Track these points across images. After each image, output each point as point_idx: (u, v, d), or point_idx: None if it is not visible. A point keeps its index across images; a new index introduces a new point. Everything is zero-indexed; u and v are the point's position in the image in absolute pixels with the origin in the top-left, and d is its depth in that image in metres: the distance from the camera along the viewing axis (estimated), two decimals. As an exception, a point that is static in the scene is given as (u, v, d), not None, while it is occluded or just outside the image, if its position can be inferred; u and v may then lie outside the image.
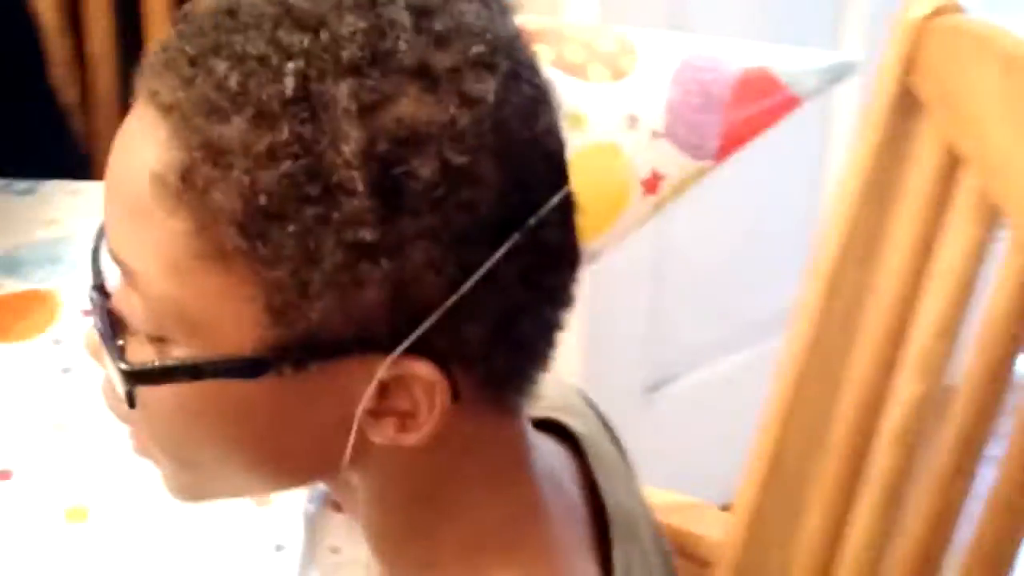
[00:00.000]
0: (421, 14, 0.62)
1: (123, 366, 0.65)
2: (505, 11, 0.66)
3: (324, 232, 0.59)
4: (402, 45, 0.61)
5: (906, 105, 1.02)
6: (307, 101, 0.59)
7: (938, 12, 1.00)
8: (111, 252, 0.66)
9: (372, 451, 0.66)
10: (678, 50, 0.78)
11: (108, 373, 0.68)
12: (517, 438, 0.71)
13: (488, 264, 0.61)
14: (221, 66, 0.60)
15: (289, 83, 0.59)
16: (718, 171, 0.89)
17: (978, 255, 0.94)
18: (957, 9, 1.01)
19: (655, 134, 0.76)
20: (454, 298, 0.61)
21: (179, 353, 0.64)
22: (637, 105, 0.75)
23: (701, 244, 1.86)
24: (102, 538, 1.05)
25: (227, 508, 1.04)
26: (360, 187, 0.59)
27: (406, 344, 0.61)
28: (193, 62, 0.61)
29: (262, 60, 0.60)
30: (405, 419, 0.65)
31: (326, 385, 0.64)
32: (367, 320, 0.61)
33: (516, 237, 0.61)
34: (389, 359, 0.62)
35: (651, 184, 0.77)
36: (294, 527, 1.04)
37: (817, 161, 1.88)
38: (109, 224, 0.66)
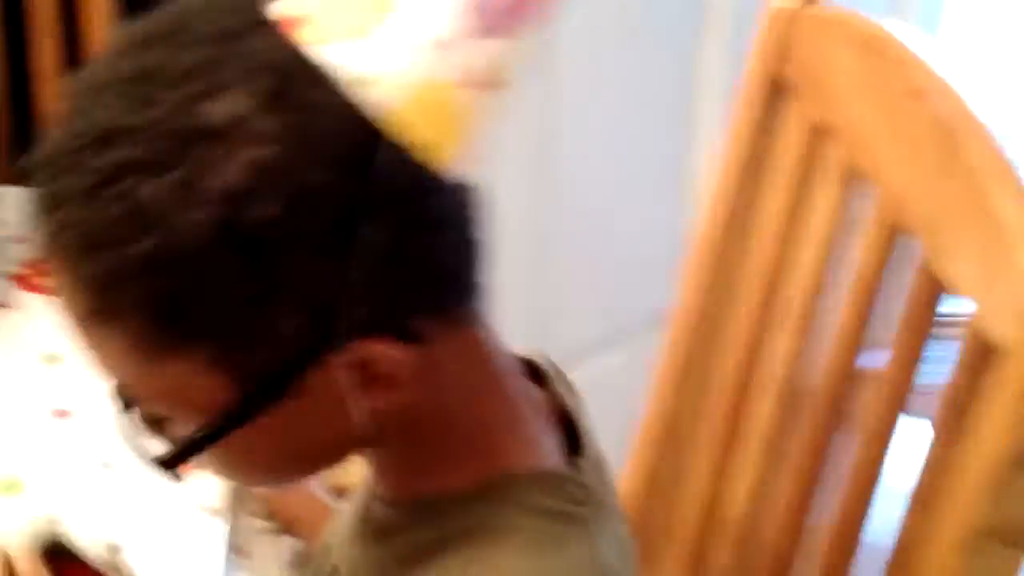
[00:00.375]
0: (188, 74, 0.67)
1: (155, 459, 0.76)
2: (265, 26, 0.68)
3: (221, 302, 0.68)
4: (182, 120, 0.67)
5: (775, 89, 1.12)
6: (137, 214, 0.67)
7: (804, 3, 1.10)
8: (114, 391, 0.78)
9: (380, 418, 0.74)
10: None
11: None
12: (482, 343, 0.78)
13: (364, 242, 0.68)
14: (64, 214, 0.69)
15: (114, 205, 0.67)
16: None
17: (844, 215, 1.03)
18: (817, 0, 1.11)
19: (444, 43, 0.68)
20: (354, 290, 0.68)
21: (182, 431, 0.74)
22: (420, 28, 0.69)
23: (575, 244, 1.93)
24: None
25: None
26: (220, 254, 0.67)
27: (334, 345, 0.69)
28: (50, 218, 0.70)
29: (96, 188, 0.67)
30: (387, 384, 0.72)
31: (309, 396, 0.71)
32: (301, 340, 0.69)
33: (367, 211, 0.68)
34: (334, 357, 0.70)
35: (477, 81, 0.70)
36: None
37: (679, 160, 1.96)
38: (100, 372, 0.75)
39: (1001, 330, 0.80)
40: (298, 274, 0.68)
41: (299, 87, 0.68)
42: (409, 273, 0.71)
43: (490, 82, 0.70)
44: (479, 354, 0.78)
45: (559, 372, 0.86)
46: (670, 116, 1.91)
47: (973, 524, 0.81)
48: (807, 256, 1.06)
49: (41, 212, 0.70)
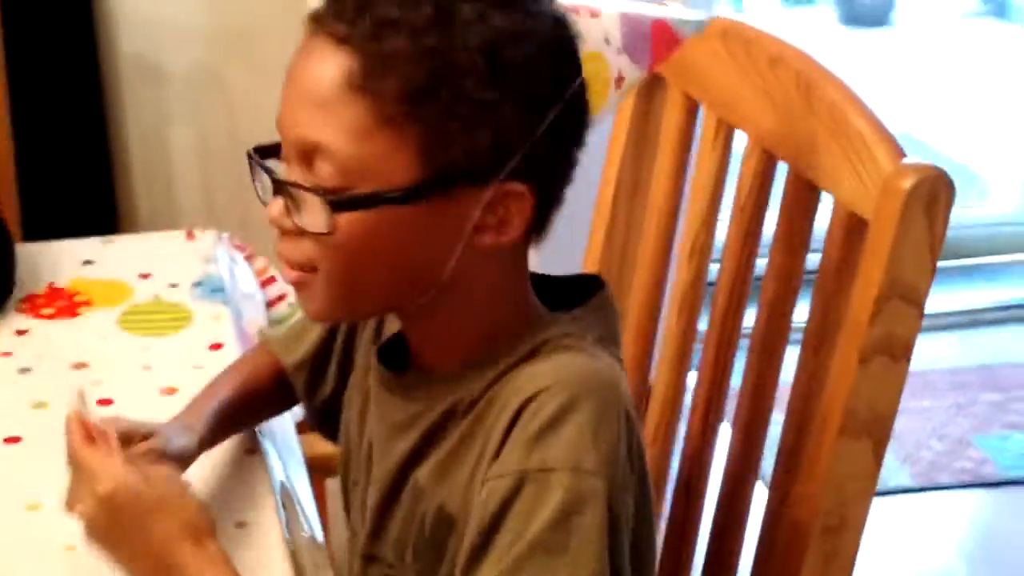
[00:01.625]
0: None
1: (329, 197, 1.00)
2: None
3: (457, 100, 0.98)
4: None
5: (649, 80, 1.46)
6: (444, 15, 0.98)
7: (663, 16, 1.45)
8: (297, 139, 1.02)
9: (465, 264, 1.03)
10: (620, 3, 1.18)
11: (300, 222, 1.01)
12: (522, 283, 1.10)
13: (552, 115, 1.01)
14: (381, 7, 0.99)
15: (429, 7, 0.98)
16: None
17: (721, 163, 1.37)
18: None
19: (619, 50, 1.15)
20: (529, 143, 1.00)
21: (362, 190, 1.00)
22: (608, 31, 1.14)
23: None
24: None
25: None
26: (480, 67, 0.98)
27: (507, 171, 1.00)
28: (356, 9, 0.99)
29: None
30: (501, 226, 1.03)
31: (451, 206, 1.01)
32: (481, 156, 1.00)
33: (565, 97, 1.02)
34: (493, 184, 1.00)
35: (618, 81, 1.15)
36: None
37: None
38: (297, 118, 1.02)
39: (867, 203, 1.15)
40: (514, 108, 1.00)
41: (556, 6, 1.05)
42: (562, 159, 1.05)
43: (619, 82, 1.15)
44: (525, 264, 1.10)
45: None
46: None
47: (861, 342, 1.14)
48: (697, 198, 1.39)
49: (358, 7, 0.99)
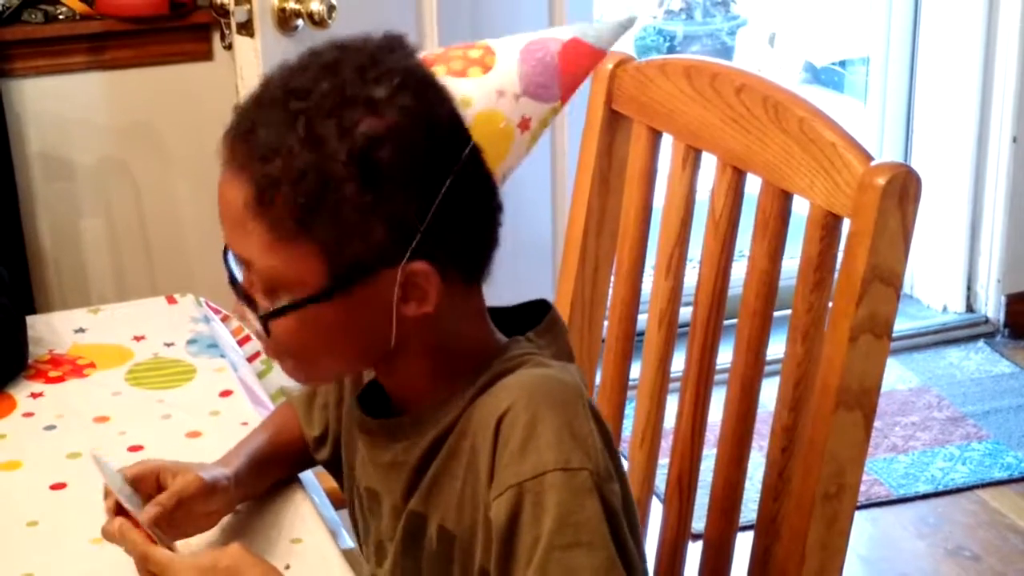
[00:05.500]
0: (361, 68, 1.05)
1: (260, 313, 1.08)
2: (410, 53, 1.09)
3: (341, 208, 1.03)
4: (353, 90, 1.04)
5: (612, 120, 1.54)
6: (310, 141, 1.02)
7: (620, 63, 1.54)
8: (235, 255, 1.08)
9: (405, 329, 1.09)
10: (519, 43, 1.14)
11: (253, 325, 1.09)
12: (480, 301, 1.15)
13: (439, 195, 1.05)
14: (261, 134, 1.04)
15: (300, 131, 1.02)
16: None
17: (690, 184, 1.46)
18: (630, 58, 1.54)
19: (516, 96, 1.11)
20: (423, 225, 1.04)
21: (284, 300, 1.06)
22: (501, 83, 1.10)
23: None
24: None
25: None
26: (352, 177, 1.02)
27: (409, 255, 1.05)
28: (246, 137, 1.05)
29: (282, 125, 1.03)
30: (421, 299, 1.07)
31: (369, 293, 1.06)
32: (380, 248, 1.05)
33: (451, 176, 1.05)
34: (400, 267, 1.05)
35: (524, 125, 1.11)
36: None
37: (548, 182, 2.35)
38: (227, 234, 1.08)
39: (844, 203, 1.24)
40: (400, 199, 1.04)
41: (428, 89, 1.07)
42: (463, 229, 1.08)
43: (525, 126, 1.11)
44: (480, 307, 1.15)
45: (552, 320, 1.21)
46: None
47: (849, 324, 1.23)
48: (669, 217, 1.47)
49: (240, 128, 1.04)
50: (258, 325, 1.09)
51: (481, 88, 1.09)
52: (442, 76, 1.09)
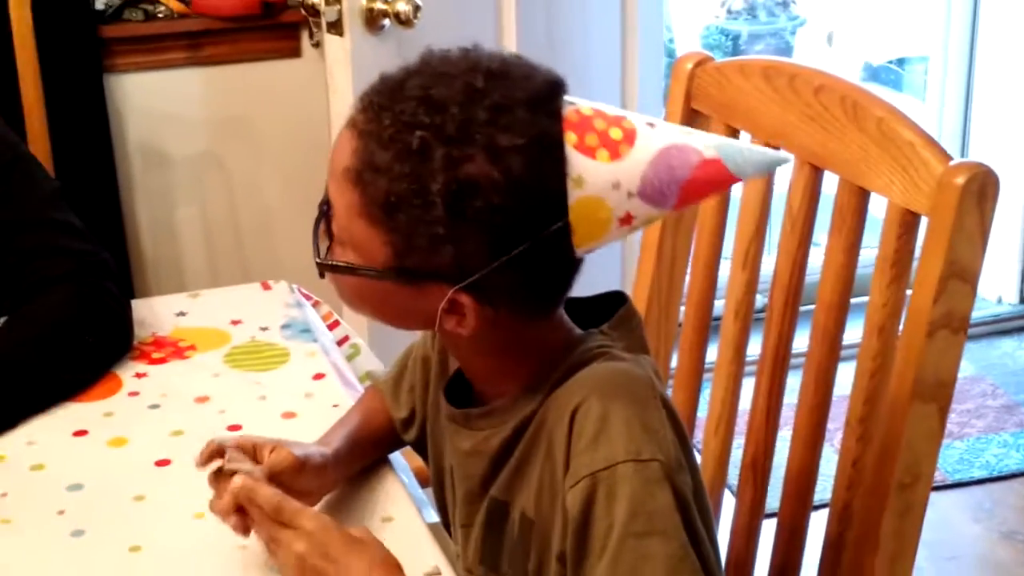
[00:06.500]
0: (499, 109, 1.04)
1: (317, 260, 1.12)
2: (555, 111, 1.05)
3: (421, 221, 1.04)
4: (478, 128, 1.03)
5: (691, 118, 1.55)
6: (421, 154, 1.03)
7: (699, 63, 1.55)
8: (328, 196, 1.11)
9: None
10: (663, 140, 1.06)
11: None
12: (547, 326, 1.15)
13: (512, 253, 1.04)
14: (387, 120, 1.05)
15: (415, 142, 1.03)
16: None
17: (768, 180, 1.47)
18: (709, 58, 1.55)
19: (630, 194, 1.06)
20: (485, 270, 1.05)
21: (348, 257, 1.10)
22: (621, 177, 1.05)
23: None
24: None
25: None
26: (439, 204, 1.03)
27: (460, 286, 1.06)
28: (378, 113, 1.06)
29: (406, 125, 1.04)
30: (459, 322, 1.10)
31: (418, 294, 1.09)
32: (440, 268, 1.06)
33: (528, 243, 1.04)
34: (451, 291, 1.07)
35: (626, 220, 1.07)
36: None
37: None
38: (329, 181, 1.10)
39: (922, 201, 1.25)
40: (474, 241, 1.04)
41: (547, 160, 1.05)
42: (524, 285, 1.08)
43: (627, 221, 1.07)
44: (545, 333, 1.15)
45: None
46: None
47: (927, 319, 1.24)
48: (747, 212, 1.49)
49: (377, 100, 1.05)
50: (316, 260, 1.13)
51: (599, 175, 1.05)
52: (571, 146, 1.05)
